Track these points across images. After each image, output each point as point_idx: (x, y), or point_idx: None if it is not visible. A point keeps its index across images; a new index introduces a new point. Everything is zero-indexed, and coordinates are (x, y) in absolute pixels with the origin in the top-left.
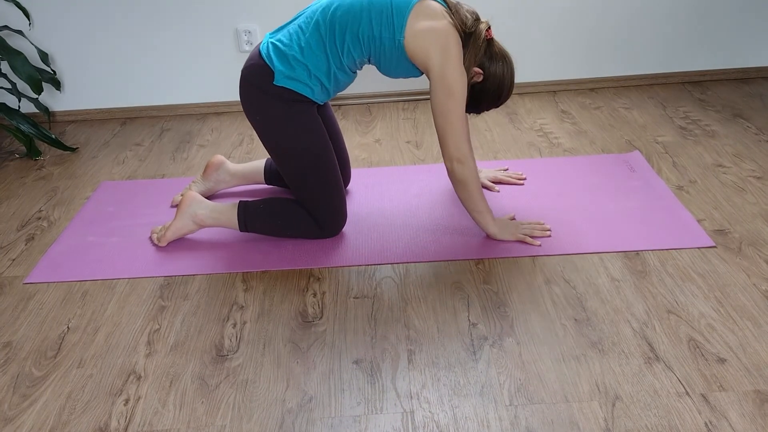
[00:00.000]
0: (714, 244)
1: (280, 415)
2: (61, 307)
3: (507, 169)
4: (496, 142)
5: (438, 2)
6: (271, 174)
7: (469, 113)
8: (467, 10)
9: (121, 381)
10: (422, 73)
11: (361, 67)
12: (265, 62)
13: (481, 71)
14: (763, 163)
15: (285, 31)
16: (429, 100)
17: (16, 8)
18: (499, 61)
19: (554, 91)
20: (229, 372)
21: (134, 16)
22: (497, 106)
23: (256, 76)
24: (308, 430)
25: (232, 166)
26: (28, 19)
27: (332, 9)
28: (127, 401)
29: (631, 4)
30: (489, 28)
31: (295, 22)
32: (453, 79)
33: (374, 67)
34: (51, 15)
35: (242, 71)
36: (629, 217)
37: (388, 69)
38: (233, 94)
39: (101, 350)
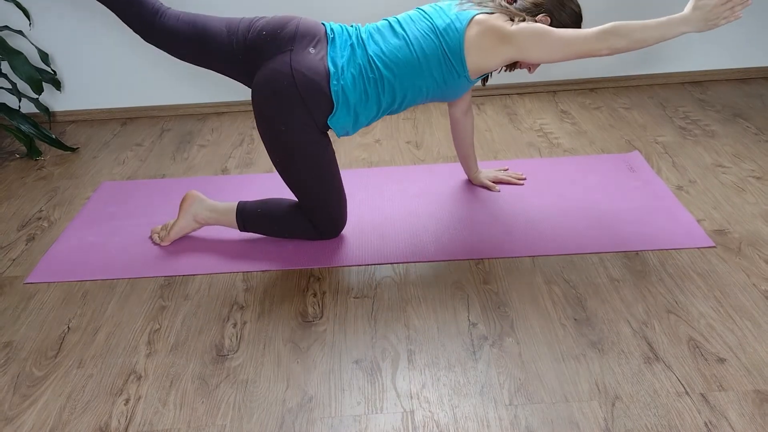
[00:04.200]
0: (713, 244)
1: (281, 414)
2: (61, 307)
3: (507, 169)
4: (496, 142)
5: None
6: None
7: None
8: None
9: (122, 381)
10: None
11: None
12: (331, 97)
13: (545, 15)
14: (763, 163)
15: (349, 72)
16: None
17: (17, 8)
18: None
19: (554, 91)
20: (229, 372)
21: None
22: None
23: (313, 98)
24: (308, 430)
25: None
26: (29, 19)
27: (391, 63)
28: (127, 401)
29: (630, 4)
30: None
31: (355, 59)
32: (526, 33)
33: None
34: (51, 15)
35: (296, 75)
36: (629, 217)
37: (454, 96)
38: (234, 94)
39: (102, 350)
